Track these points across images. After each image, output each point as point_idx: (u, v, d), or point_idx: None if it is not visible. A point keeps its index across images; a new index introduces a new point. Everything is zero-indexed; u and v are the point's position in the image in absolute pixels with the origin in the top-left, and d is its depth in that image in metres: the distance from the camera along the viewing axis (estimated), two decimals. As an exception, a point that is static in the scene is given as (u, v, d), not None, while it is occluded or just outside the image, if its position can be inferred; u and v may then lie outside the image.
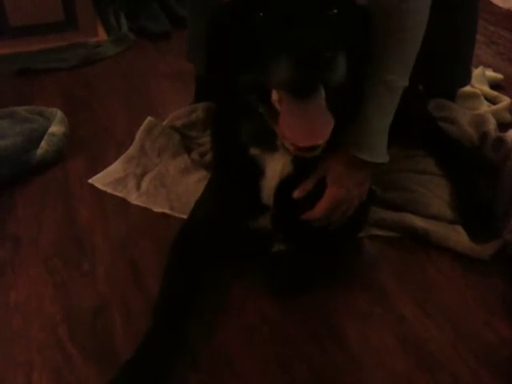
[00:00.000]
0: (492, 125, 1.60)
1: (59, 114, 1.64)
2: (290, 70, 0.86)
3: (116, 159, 1.56)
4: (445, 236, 1.28)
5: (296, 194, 1.10)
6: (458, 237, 1.28)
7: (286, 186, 1.11)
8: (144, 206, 1.41)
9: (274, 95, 0.96)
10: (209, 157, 1.50)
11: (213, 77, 1.10)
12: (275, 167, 1.09)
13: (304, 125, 0.93)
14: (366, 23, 1.05)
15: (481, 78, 1.89)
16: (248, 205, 1.15)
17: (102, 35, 2.34)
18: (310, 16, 0.92)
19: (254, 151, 1.07)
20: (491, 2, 2.68)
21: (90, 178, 1.50)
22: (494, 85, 1.92)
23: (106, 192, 1.46)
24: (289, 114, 0.94)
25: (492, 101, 1.82)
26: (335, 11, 0.96)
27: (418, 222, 1.30)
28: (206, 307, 1.13)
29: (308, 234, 1.16)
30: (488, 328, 1.09)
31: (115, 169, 1.54)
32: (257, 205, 1.14)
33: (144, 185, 1.48)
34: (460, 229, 1.30)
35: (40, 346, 1.06)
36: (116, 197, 1.44)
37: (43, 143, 1.54)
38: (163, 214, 1.38)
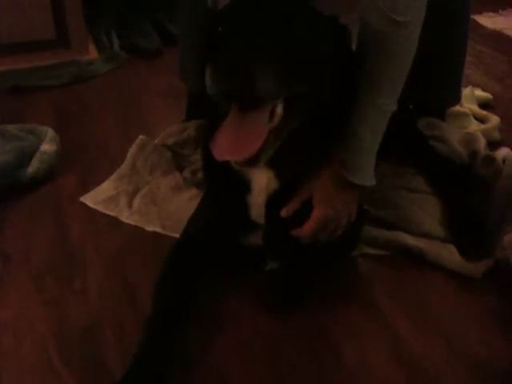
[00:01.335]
0: (482, 143, 1.62)
1: (50, 131, 1.63)
2: (212, 80, 0.87)
3: (108, 176, 1.56)
4: (437, 254, 1.28)
5: (283, 213, 1.11)
6: (451, 255, 1.28)
7: (276, 202, 1.11)
8: (136, 224, 1.40)
9: None
10: (200, 175, 1.50)
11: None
12: (260, 182, 1.09)
13: (226, 138, 0.92)
14: (341, 37, 1.05)
15: (470, 97, 1.91)
16: (239, 221, 1.15)
17: (94, 53, 2.34)
18: (259, 30, 0.92)
19: (236, 166, 1.06)
20: (479, 23, 2.73)
21: (82, 194, 1.49)
22: (483, 104, 1.94)
23: (97, 209, 1.45)
24: (223, 126, 0.94)
25: (481, 120, 1.83)
26: (293, 25, 0.95)
27: (411, 241, 1.31)
28: (201, 322, 1.12)
29: (300, 251, 1.16)
30: (482, 344, 1.10)
31: (107, 187, 1.53)
32: (247, 221, 1.14)
33: (136, 203, 1.47)
34: (452, 247, 1.30)
35: (31, 365, 1.04)
36: (108, 214, 1.44)
37: (34, 161, 1.53)
38: (155, 231, 1.38)
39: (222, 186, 1.16)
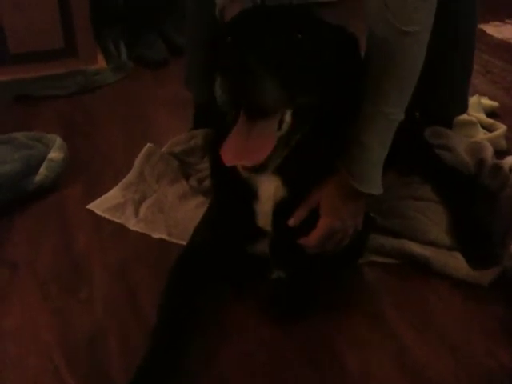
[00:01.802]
0: (489, 152, 1.61)
1: (58, 140, 1.64)
2: (220, 89, 0.87)
3: (114, 185, 1.56)
4: (444, 263, 1.27)
5: (291, 222, 1.11)
6: (457, 263, 1.28)
7: (283, 211, 1.10)
8: (142, 232, 1.41)
9: None
10: (207, 183, 1.50)
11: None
12: (267, 190, 1.09)
13: (235, 145, 0.93)
14: (349, 46, 1.05)
15: (477, 106, 1.90)
16: (246, 230, 1.15)
17: (102, 63, 2.36)
18: (266, 41, 0.92)
19: (244, 173, 1.06)
20: (486, 32, 2.73)
21: (88, 203, 1.50)
22: (490, 113, 1.94)
23: (103, 218, 1.45)
24: (232, 133, 0.94)
25: (488, 128, 1.83)
26: (300, 36, 0.95)
27: (417, 249, 1.30)
28: (205, 332, 1.12)
29: (306, 260, 1.16)
30: (487, 354, 1.09)
31: (113, 195, 1.54)
32: (254, 230, 1.14)
33: (142, 211, 1.47)
34: (459, 255, 1.30)
35: (36, 374, 1.04)
36: (114, 222, 1.44)
37: (42, 169, 1.54)
38: (161, 240, 1.38)
39: (230, 193, 1.16)
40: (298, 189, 1.10)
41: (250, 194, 1.11)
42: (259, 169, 0.93)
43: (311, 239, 1.11)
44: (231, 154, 0.93)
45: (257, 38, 0.93)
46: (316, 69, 0.96)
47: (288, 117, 0.95)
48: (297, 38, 0.95)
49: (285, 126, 0.95)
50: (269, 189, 1.09)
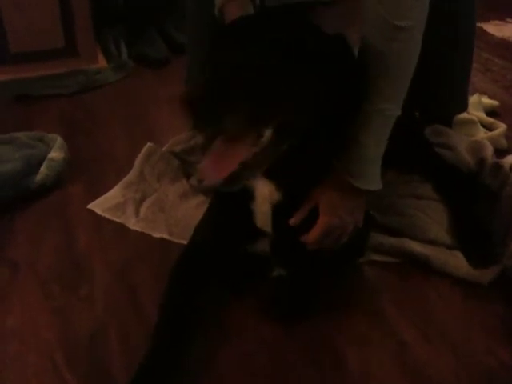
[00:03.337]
0: (490, 151, 1.61)
1: (59, 139, 1.65)
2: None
3: (116, 184, 1.56)
4: (444, 261, 1.28)
5: (292, 222, 1.11)
6: (457, 262, 1.28)
7: (282, 211, 1.11)
8: (143, 231, 1.41)
9: None
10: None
11: None
12: (263, 191, 1.10)
13: (207, 160, 0.93)
14: (346, 57, 1.04)
15: (477, 104, 1.90)
16: (245, 229, 1.15)
17: (103, 62, 2.35)
18: (258, 49, 0.92)
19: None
20: (485, 31, 2.73)
21: (89, 202, 1.50)
22: (490, 111, 1.94)
23: (104, 217, 1.46)
24: (212, 148, 0.95)
25: (488, 127, 1.83)
26: (293, 58, 0.94)
27: (417, 247, 1.30)
28: (206, 332, 1.12)
29: (307, 258, 1.16)
30: (487, 353, 1.09)
31: (114, 194, 1.54)
32: (253, 230, 1.14)
33: (143, 210, 1.48)
34: (459, 254, 1.30)
35: (37, 372, 1.04)
36: (114, 222, 1.44)
37: (43, 168, 1.55)
38: (162, 239, 1.38)
39: (229, 193, 1.16)
40: (294, 192, 1.10)
41: (247, 194, 1.11)
42: (229, 183, 0.93)
43: (310, 237, 1.12)
44: (203, 170, 0.93)
45: (244, 51, 0.93)
46: (301, 87, 0.95)
47: (268, 133, 0.94)
48: (288, 61, 0.94)
49: (263, 142, 0.94)
50: (263, 192, 1.10)
